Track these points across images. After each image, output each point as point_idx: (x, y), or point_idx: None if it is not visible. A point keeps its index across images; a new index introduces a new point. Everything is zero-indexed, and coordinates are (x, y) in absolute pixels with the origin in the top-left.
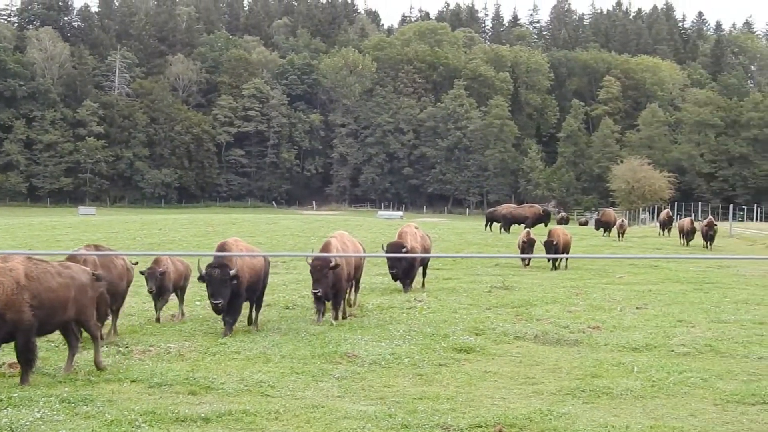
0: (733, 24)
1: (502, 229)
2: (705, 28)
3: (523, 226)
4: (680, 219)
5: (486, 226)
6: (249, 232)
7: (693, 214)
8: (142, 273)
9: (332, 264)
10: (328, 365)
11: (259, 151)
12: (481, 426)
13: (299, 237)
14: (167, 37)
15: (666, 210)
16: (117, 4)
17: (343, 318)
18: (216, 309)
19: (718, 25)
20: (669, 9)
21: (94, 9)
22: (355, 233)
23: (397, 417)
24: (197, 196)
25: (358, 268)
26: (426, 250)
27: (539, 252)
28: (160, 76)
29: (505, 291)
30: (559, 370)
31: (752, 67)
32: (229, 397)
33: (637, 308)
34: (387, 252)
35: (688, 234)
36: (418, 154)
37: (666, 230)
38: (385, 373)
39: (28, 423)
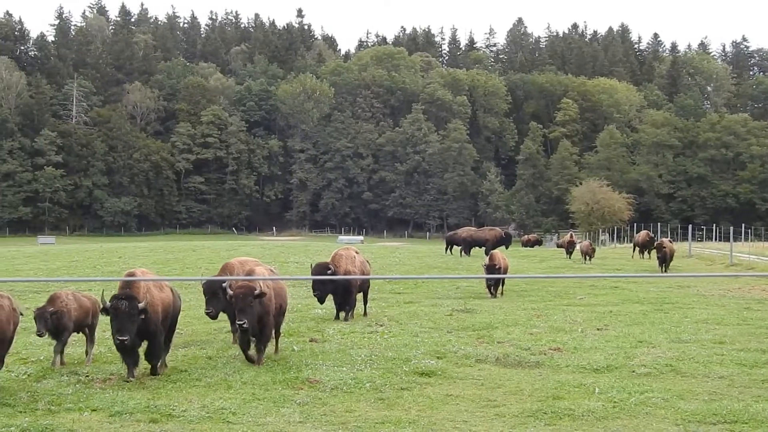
0: (689, 45)
1: (463, 253)
2: (661, 50)
3: (483, 249)
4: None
5: (446, 249)
6: (209, 259)
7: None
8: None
9: (257, 292)
10: (290, 391)
11: (218, 177)
12: None
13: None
14: (124, 65)
15: (645, 231)
16: (73, 33)
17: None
18: (122, 347)
19: (674, 47)
20: (625, 31)
21: (51, 38)
22: (317, 259)
23: None
24: (157, 223)
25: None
26: (365, 275)
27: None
28: (117, 104)
29: (467, 314)
30: (521, 393)
31: (708, 87)
32: (190, 425)
33: (597, 329)
34: (313, 273)
35: (672, 256)
36: (378, 179)
37: (645, 252)
38: (347, 397)
39: None
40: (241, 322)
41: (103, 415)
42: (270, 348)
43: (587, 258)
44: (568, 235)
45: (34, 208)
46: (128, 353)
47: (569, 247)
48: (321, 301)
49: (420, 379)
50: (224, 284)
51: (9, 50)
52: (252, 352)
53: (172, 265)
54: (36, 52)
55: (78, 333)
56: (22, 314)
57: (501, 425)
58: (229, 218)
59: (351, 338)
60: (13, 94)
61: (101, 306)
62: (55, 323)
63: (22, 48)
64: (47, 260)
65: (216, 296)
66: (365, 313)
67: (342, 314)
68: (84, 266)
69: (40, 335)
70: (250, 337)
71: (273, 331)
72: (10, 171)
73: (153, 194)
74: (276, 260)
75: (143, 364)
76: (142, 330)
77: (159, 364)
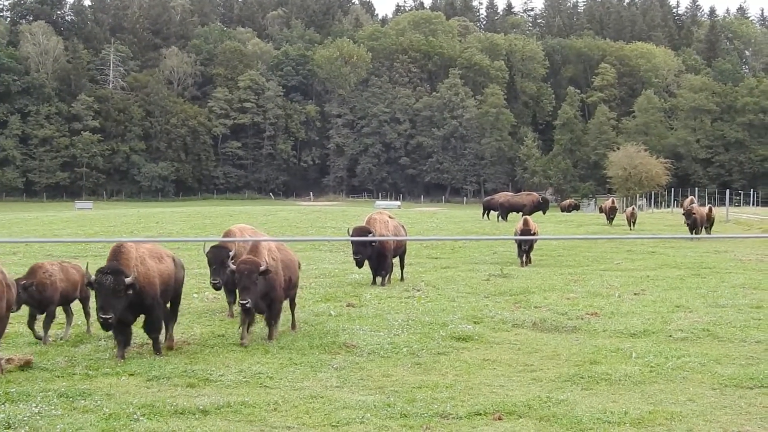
0: (727, 9)
1: (500, 218)
2: (699, 14)
3: (520, 214)
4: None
5: (483, 214)
6: (246, 224)
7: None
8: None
9: (263, 268)
10: (327, 355)
11: (255, 142)
12: (480, 414)
13: (297, 228)
14: (161, 30)
15: (691, 197)
16: None
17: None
18: (106, 325)
19: (712, 11)
20: None
21: (87, 2)
22: (354, 224)
23: (395, 406)
24: (194, 188)
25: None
26: (399, 241)
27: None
28: (154, 69)
29: (503, 279)
30: (558, 357)
31: (746, 52)
32: (227, 389)
33: (635, 294)
34: (352, 236)
35: (703, 223)
36: (415, 144)
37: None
38: (384, 362)
39: (26, 418)
40: (245, 302)
41: (141, 379)
42: (304, 314)
43: (632, 224)
44: (610, 200)
45: (72, 173)
46: (117, 331)
47: (611, 213)
48: (360, 264)
49: (457, 343)
50: (230, 253)
51: (46, 15)
52: (245, 333)
53: (209, 230)
54: (73, 17)
55: (64, 306)
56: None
57: (538, 390)
58: (266, 183)
59: (388, 303)
60: (50, 59)
61: (86, 279)
62: (36, 296)
63: (59, 13)
64: (84, 225)
65: (223, 265)
66: (402, 278)
67: (379, 279)
68: (121, 231)
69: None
70: (257, 315)
71: (281, 305)
72: (48, 136)
73: (190, 159)
74: (313, 225)
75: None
76: (137, 305)
77: (169, 336)
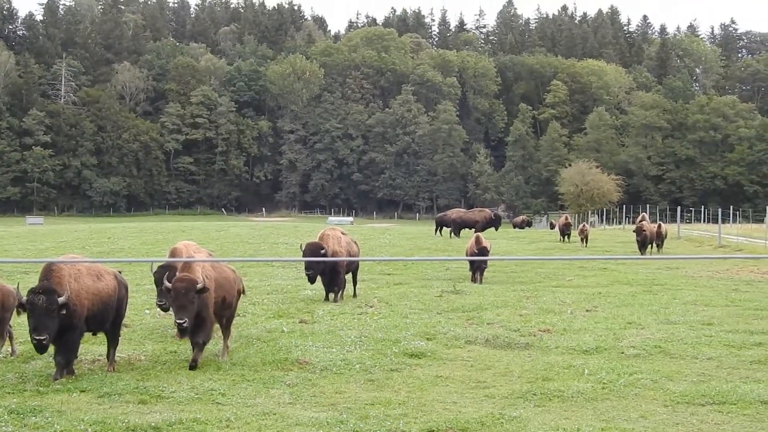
0: (678, 27)
1: (452, 234)
2: (650, 32)
3: (473, 230)
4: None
5: (436, 230)
6: (198, 240)
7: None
8: None
9: (200, 286)
10: (279, 372)
11: (207, 158)
12: (433, 431)
13: (249, 244)
14: (113, 45)
15: (644, 214)
16: (62, 12)
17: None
18: (39, 347)
19: (663, 29)
20: (614, 13)
21: (39, 17)
22: (306, 240)
23: (348, 423)
24: (146, 204)
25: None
26: (351, 256)
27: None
28: (106, 84)
29: (456, 295)
30: (510, 374)
31: (697, 69)
32: (179, 406)
33: (587, 311)
34: (304, 252)
35: (653, 240)
36: (368, 160)
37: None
38: (337, 379)
39: None
40: (181, 321)
41: (92, 396)
42: (256, 331)
43: (585, 241)
44: (563, 217)
45: (23, 188)
46: (54, 351)
47: (565, 230)
48: (312, 280)
49: (410, 360)
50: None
51: None
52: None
53: (161, 246)
54: (24, 32)
55: None
56: None
57: (490, 406)
58: (218, 199)
59: (341, 319)
60: (2, 74)
61: (17, 300)
62: None
63: (11, 27)
64: (35, 240)
65: None
66: (355, 294)
67: (331, 295)
68: (73, 247)
69: None
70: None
71: (212, 326)
72: None
73: (142, 174)
74: (266, 241)
75: (134, 347)
76: (62, 323)
77: (111, 358)
